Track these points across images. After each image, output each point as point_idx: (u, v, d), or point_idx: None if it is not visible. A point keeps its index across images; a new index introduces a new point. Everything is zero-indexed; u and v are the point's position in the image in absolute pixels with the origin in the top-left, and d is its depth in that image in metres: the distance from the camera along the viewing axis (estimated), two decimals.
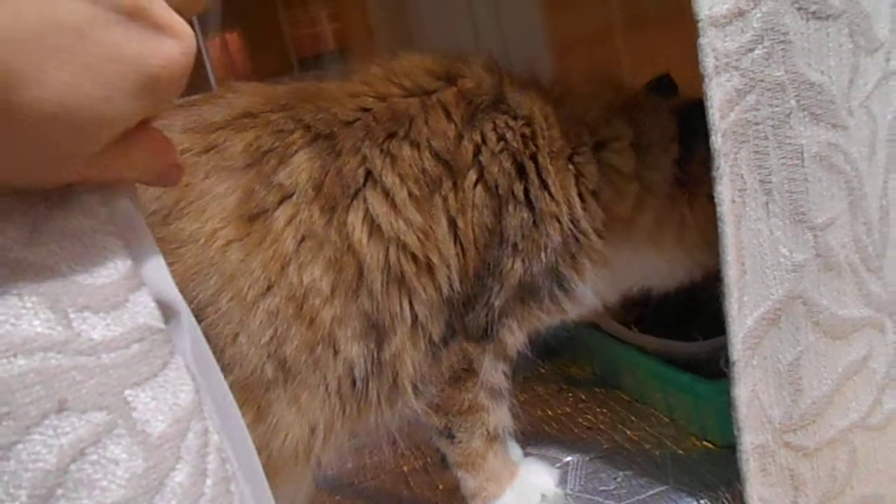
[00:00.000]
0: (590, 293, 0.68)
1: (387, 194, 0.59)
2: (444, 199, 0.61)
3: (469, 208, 0.61)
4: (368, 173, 0.59)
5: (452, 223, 0.61)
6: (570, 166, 0.65)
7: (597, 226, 0.65)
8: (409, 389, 0.63)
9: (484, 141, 0.62)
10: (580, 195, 0.65)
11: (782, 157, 0.55)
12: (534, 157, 0.63)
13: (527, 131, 0.64)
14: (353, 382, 0.61)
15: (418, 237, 0.60)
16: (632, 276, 0.71)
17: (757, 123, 0.54)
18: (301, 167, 0.57)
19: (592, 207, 0.65)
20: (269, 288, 0.56)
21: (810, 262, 0.58)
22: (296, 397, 0.58)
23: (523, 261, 0.63)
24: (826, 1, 0.52)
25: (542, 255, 0.63)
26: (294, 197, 0.57)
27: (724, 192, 0.54)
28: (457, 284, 0.62)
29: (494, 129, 0.63)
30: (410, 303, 0.60)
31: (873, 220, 0.60)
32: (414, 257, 0.60)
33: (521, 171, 0.63)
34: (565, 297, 0.66)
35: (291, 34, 1.29)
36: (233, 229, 0.55)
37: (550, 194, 0.63)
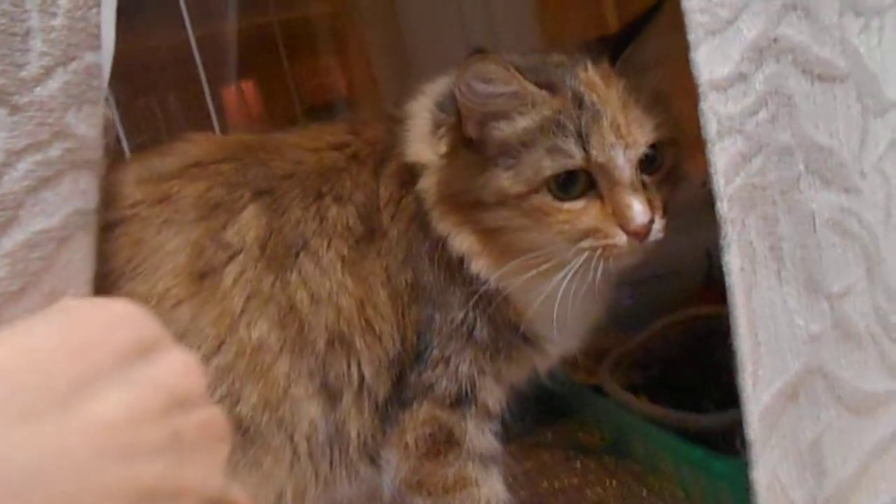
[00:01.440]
0: (538, 322, 0.63)
1: (318, 259, 0.58)
2: (378, 255, 0.59)
3: (396, 265, 0.59)
4: (303, 235, 0.59)
5: (388, 283, 0.59)
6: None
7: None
8: (360, 459, 0.60)
9: (388, 192, 0.61)
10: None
11: (793, 223, 0.53)
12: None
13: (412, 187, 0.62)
14: (324, 445, 0.58)
15: (355, 302, 0.58)
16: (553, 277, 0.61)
17: (764, 188, 0.51)
18: (248, 224, 0.58)
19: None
20: (219, 345, 0.55)
21: (827, 333, 0.55)
22: (257, 462, 0.56)
23: (448, 313, 0.60)
24: (831, 63, 0.50)
25: (468, 304, 0.60)
26: (241, 255, 0.57)
27: (733, 260, 0.51)
28: (400, 343, 0.60)
29: (394, 176, 0.61)
30: (358, 363, 0.59)
31: (894, 286, 0.57)
32: (353, 320, 0.59)
33: (423, 221, 0.60)
34: (516, 337, 0.62)
35: (301, 83, 1.31)
36: (183, 288, 0.55)
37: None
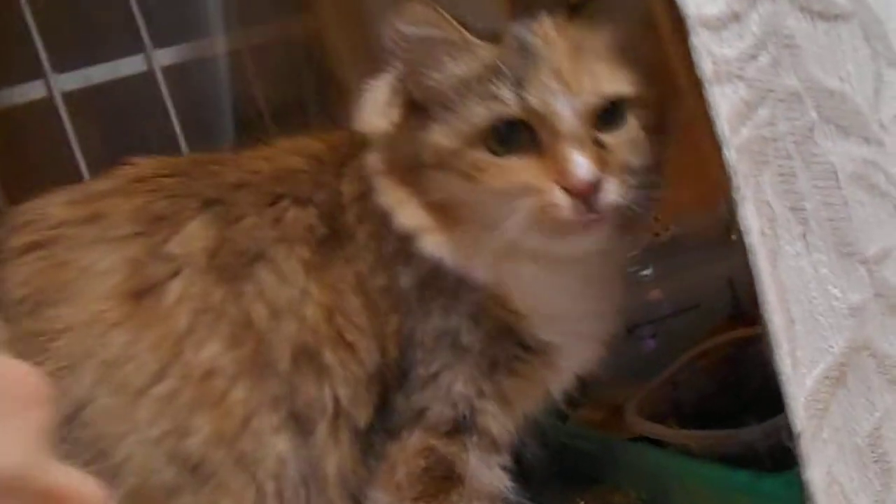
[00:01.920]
0: (536, 323, 0.55)
1: (276, 266, 0.52)
2: (347, 260, 0.53)
3: (368, 269, 0.53)
4: (259, 242, 0.53)
5: (360, 289, 0.53)
6: None
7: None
8: (341, 500, 0.52)
9: (353, 189, 0.55)
10: None
11: (813, 179, 0.47)
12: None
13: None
14: (297, 485, 0.50)
15: (322, 311, 0.52)
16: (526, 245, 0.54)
17: (776, 140, 0.46)
18: (195, 235, 0.52)
19: None
20: (161, 371, 0.48)
21: (870, 304, 0.48)
22: None
23: (429, 321, 0.53)
24: (830, 0, 0.47)
25: (448, 306, 0.53)
26: (187, 268, 0.51)
27: (751, 219, 0.45)
28: (380, 358, 0.53)
29: (360, 171, 0.55)
30: (331, 384, 0.51)
31: None
32: (320, 331, 0.52)
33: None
34: (515, 346, 0.55)
35: None
36: (117, 310, 0.49)
37: None
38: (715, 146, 0.45)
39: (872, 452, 0.47)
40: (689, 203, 0.99)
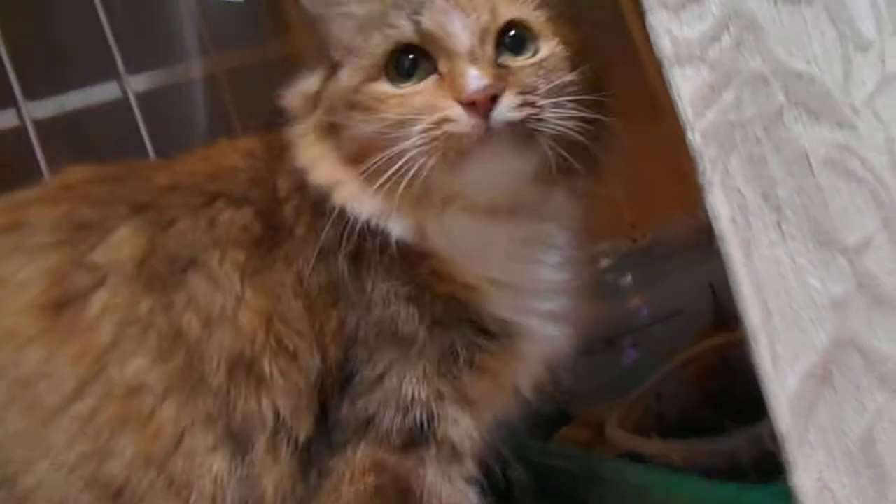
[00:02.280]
0: (483, 293, 0.52)
1: (209, 272, 0.49)
2: (287, 260, 0.50)
3: (308, 267, 0.50)
4: (191, 247, 0.50)
5: (301, 291, 0.50)
6: None
7: None
8: None
9: (290, 181, 0.53)
10: None
11: (785, 164, 0.45)
12: None
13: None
14: None
15: (259, 318, 0.48)
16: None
17: (743, 124, 0.44)
18: (122, 242, 0.49)
19: None
20: (80, 388, 0.45)
21: (853, 296, 0.45)
22: None
23: (369, 311, 0.50)
24: None
25: (387, 290, 0.50)
26: (112, 278, 0.48)
27: (719, 206, 0.43)
28: (321, 361, 0.49)
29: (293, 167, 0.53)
30: (271, 397, 0.48)
31: None
32: (258, 340, 0.48)
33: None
34: (470, 329, 0.51)
35: None
36: (35, 323, 0.46)
37: None
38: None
39: (865, 456, 0.44)
40: (667, 206, 0.97)
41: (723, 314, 0.87)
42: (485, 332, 0.51)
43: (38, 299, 0.46)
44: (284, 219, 0.51)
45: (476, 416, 0.52)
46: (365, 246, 0.49)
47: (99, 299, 0.47)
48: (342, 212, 0.49)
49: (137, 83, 1.05)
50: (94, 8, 1.00)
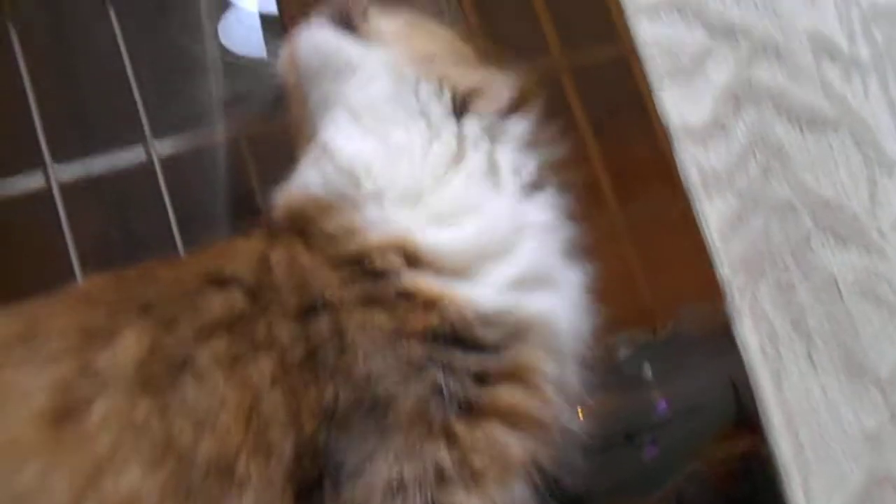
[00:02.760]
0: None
1: (200, 374, 0.46)
2: (268, 335, 0.46)
3: (288, 334, 0.46)
4: (188, 346, 0.48)
5: (281, 372, 0.46)
6: None
7: None
8: None
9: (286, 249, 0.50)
10: None
11: (814, 291, 0.44)
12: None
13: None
14: None
15: (237, 416, 0.45)
16: None
17: (772, 251, 0.44)
18: (127, 346, 0.47)
19: None
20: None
21: (887, 429, 0.44)
22: None
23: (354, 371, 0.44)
24: (816, 108, 0.45)
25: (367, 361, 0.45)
26: (114, 383, 0.46)
27: (748, 336, 0.42)
28: (293, 440, 0.44)
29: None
30: (249, 497, 0.43)
31: None
32: (232, 442, 0.45)
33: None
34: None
35: None
36: (36, 435, 0.44)
37: None
38: None
39: None
40: (688, 288, 0.96)
41: (745, 412, 0.85)
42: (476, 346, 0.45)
43: (42, 410, 0.45)
44: (273, 282, 0.48)
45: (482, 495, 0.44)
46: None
47: (99, 408, 0.45)
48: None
49: (163, 147, 1.07)
50: (124, 73, 1.03)
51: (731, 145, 0.44)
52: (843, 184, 0.46)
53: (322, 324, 0.45)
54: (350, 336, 0.44)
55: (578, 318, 0.47)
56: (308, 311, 0.46)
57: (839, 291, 0.45)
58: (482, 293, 0.45)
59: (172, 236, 1.02)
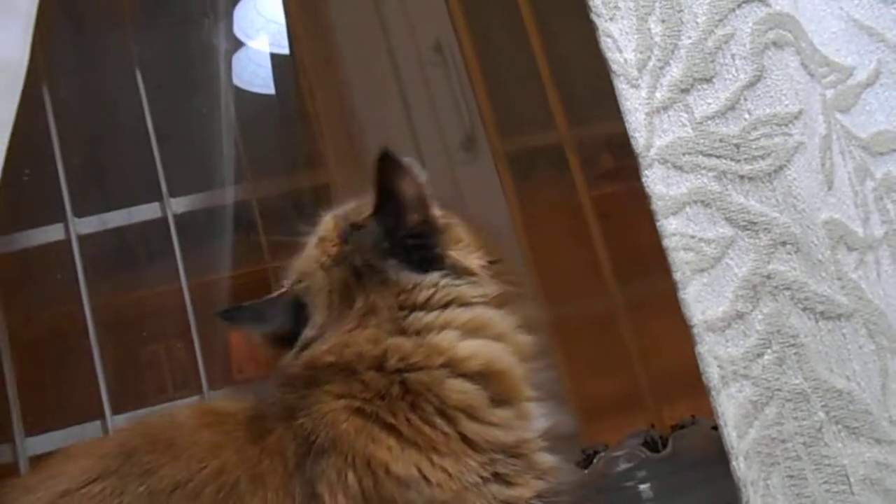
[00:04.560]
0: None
1: None
2: None
3: None
4: None
5: None
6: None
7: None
8: None
9: (330, 489, 0.47)
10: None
11: (824, 482, 0.45)
12: (381, 465, 0.48)
13: (348, 451, 0.49)
14: None
15: None
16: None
17: (784, 441, 0.45)
18: None
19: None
20: None
21: None
22: None
23: None
24: (832, 300, 0.47)
25: None
26: None
27: None
28: None
29: (325, 475, 0.49)
30: None
31: None
32: None
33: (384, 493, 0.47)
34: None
35: None
36: None
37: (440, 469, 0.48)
38: None
39: None
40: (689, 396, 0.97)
41: None
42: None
43: None
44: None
45: None
46: None
47: None
48: None
49: (177, 205, 1.10)
50: (147, 136, 1.06)
51: (749, 334, 0.45)
52: (856, 373, 0.47)
53: None
54: None
55: None
56: None
57: (849, 483, 0.45)
58: None
59: (180, 281, 1.03)
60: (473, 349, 0.48)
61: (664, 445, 0.98)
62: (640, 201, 0.47)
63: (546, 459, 0.49)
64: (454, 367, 0.48)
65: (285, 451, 0.48)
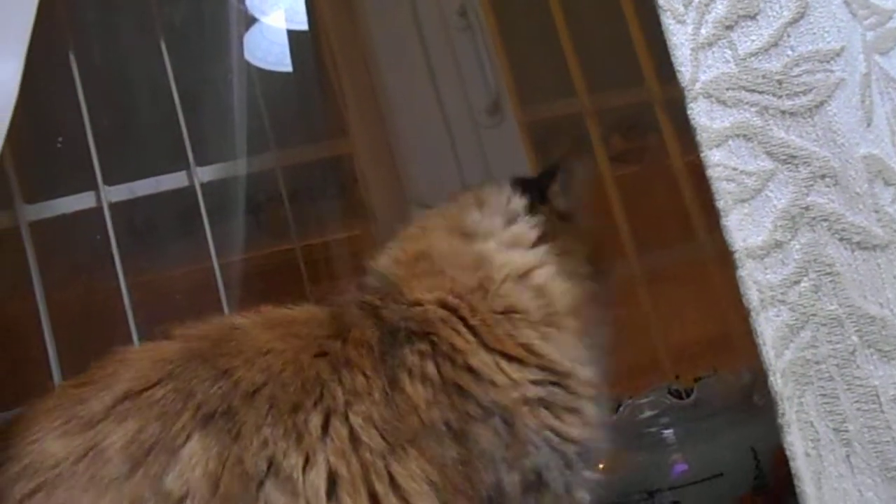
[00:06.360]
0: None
1: (294, 485, 0.46)
2: (388, 475, 0.47)
3: (426, 457, 0.48)
4: (271, 457, 0.47)
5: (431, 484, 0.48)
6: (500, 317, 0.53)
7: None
8: None
9: (410, 375, 0.50)
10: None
11: (855, 401, 0.48)
12: (460, 353, 0.51)
13: (434, 337, 0.52)
14: None
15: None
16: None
17: (818, 362, 0.47)
18: (193, 461, 0.46)
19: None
20: None
21: None
22: None
23: (525, 464, 0.50)
24: (868, 231, 0.49)
25: (538, 441, 0.51)
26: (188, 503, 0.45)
27: (795, 443, 0.45)
28: None
29: (406, 361, 0.51)
30: None
31: None
32: None
33: (458, 381, 0.51)
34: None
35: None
36: None
37: (505, 373, 0.51)
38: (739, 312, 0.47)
39: None
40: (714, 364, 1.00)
41: (763, 479, 0.87)
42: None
43: None
44: (405, 427, 0.48)
45: None
46: None
47: None
48: None
49: (204, 174, 1.12)
50: (173, 105, 1.08)
51: (787, 262, 0.47)
52: (890, 301, 0.49)
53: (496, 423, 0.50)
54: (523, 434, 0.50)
55: None
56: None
57: (879, 403, 0.48)
58: None
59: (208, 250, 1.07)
60: (542, 270, 0.55)
61: (688, 395, 1.01)
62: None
63: (592, 411, 0.53)
64: (521, 278, 0.54)
65: (370, 340, 0.51)
